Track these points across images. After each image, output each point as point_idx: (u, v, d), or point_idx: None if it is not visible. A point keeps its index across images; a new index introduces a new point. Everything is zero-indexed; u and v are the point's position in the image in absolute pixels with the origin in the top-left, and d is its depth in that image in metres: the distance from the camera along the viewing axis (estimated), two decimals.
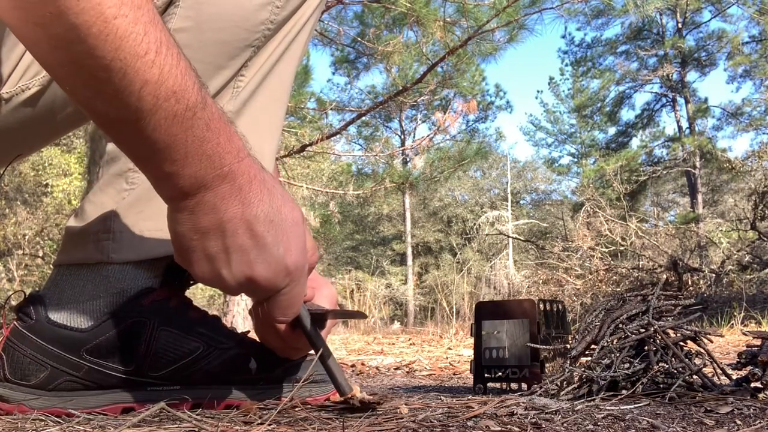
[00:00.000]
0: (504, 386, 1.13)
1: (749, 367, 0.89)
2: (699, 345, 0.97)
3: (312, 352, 0.85)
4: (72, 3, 0.52)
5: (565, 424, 0.66)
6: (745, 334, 0.99)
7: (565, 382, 0.94)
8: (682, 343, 0.97)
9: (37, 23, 0.53)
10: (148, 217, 0.81)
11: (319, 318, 0.82)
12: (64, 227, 0.86)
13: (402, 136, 21.03)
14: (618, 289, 7.07)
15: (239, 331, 0.87)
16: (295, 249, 0.68)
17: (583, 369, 0.95)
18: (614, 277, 7.60)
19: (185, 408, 0.78)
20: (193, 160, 0.61)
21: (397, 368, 2.32)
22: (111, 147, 0.85)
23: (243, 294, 0.72)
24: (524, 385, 1.08)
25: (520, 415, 0.71)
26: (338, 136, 5.92)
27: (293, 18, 0.86)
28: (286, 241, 0.67)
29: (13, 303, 0.83)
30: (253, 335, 0.88)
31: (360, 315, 0.92)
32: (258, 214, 0.65)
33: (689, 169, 17.73)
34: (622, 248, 8.21)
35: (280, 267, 0.67)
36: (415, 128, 21.46)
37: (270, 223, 0.66)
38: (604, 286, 7.53)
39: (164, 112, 0.58)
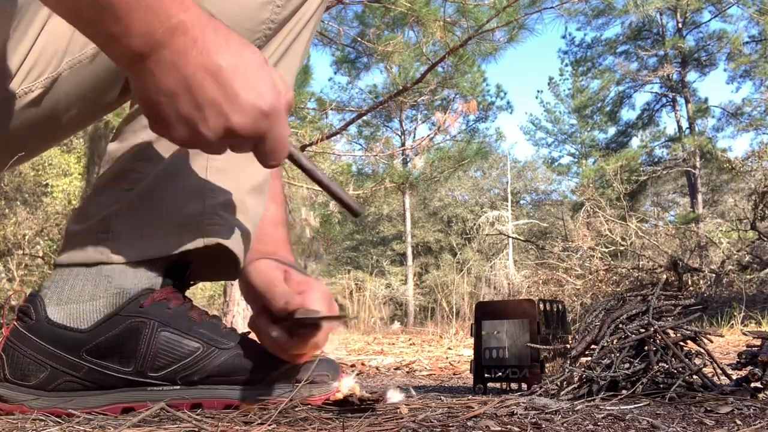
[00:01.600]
0: (504, 386, 1.13)
1: (749, 367, 0.89)
2: (699, 345, 0.97)
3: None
4: None
5: (565, 424, 0.66)
6: (745, 334, 0.99)
7: (565, 382, 0.94)
8: (682, 343, 0.97)
9: None
10: (148, 217, 0.81)
11: (313, 324, 0.81)
12: (64, 227, 0.87)
13: (402, 136, 21.02)
14: (618, 289, 7.07)
15: (239, 331, 0.87)
16: (266, 90, 0.66)
17: (583, 369, 0.95)
18: (614, 277, 7.60)
19: (185, 408, 0.78)
20: (138, 13, 0.59)
21: (397, 368, 2.32)
22: (111, 147, 0.85)
23: (228, 148, 0.69)
24: (524, 385, 1.08)
25: (520, 415, 0.71)
26: (338, 136, 5.92)
27: (294, 17, 0.86)
28: (255, 84, 0.65)
29: (13, 303, 0.83)
30: (253, 336, 0.89)
31: (353, 319, 0.91)
32: (220, 63, 0.63)
33: (689, 169, 17.72)
34: (622, 248, 8.21)
35: (256, 111, 0.65)
36: (415, 128, 21.46)
37: (235, 69, 0.64)
38: (604, 286, 7.52)
39: None
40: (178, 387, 0.81)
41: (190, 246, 0.80)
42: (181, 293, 0.86)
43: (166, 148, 0.81)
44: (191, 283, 0.91)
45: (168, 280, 0.83)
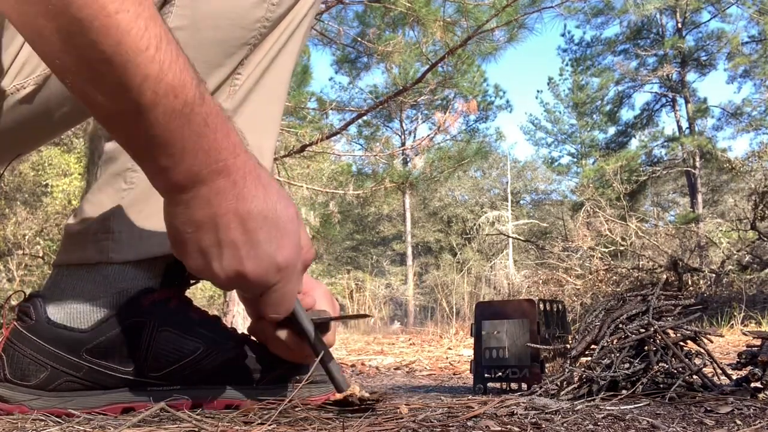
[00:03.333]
0: (504, 386, 1.13)
1: (749, 367, 0.89)
2: (699, 345, 0.97)
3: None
4: None
5: (565, 424, 0.66)
6: (745, 334, 0.99)
7: (565, 382, 0.94)
8: (682, 343, 0.97)
9: (39, 15, 0.54)
10: (148, 217, 0.81)
11: (324, 325, 0.82)
12: (63, 227, 0.86)
13: (402, 136, 21.03)
14: (618, 289, 7.07)
15: (239, 331, 0.87)
16: (288, 246, 0.68)
17: (583, 369, 0.95)
18: (614, 277, 7.60)
19: (185, 408, 0.78)
20: (190, 154, 0.61)
21: (397, 368, 2.32)
22: (110, 146, 0.85)
23: (235, 289, 0.72)
24: (524, 385, 1.08)
25: (520, 415, 0.71)
26: (338, 136, 5.92)
27: (289, 15, 0.86)
28: (278, 237, 0.67)
29: (13, 303, 0.83)
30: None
31: (364, 316, 0.92)
32: (252, 210, 0.65)
33: (689, 169, 17.73)
34: (622, 248, 8.20)
35: (271, 263, 0.67)
36: (415, 128, 21.47)
37: (264, 219, 0.66)
38: (604, 286, 7.52)
39: (163, 108, 0.58)
40: (178, 387, 0.81)
41: None
42: (181, 293, 0.86)
43: None
44: (191, 282, 0.90)
45: (168, 279, 0.83)
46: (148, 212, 0.81)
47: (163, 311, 0.81)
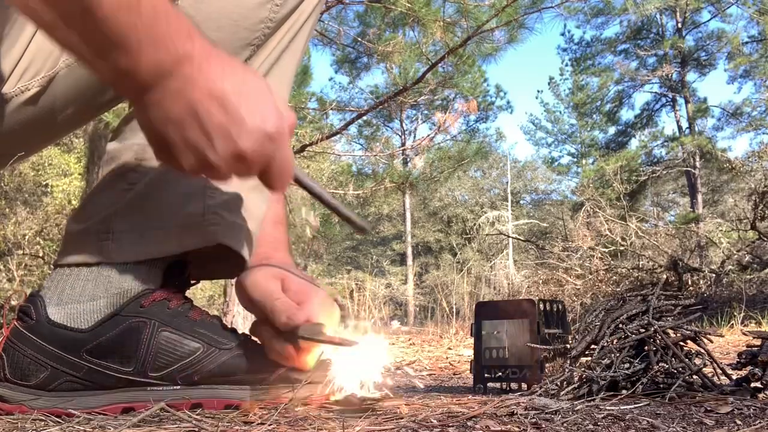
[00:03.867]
0: (504, 386, 1.13)
1: (749, 367, 0.89)
2: (699, 345, 0.97)
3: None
4: None
5: (565, 424, 0.66)
6: (745, 334, 0.99)
7: (565, 382, 0.94)
8: (682, 343, 0.97)
9: None
10: (148, 217, 0.81)
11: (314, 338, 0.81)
12: (64, 227, 0.87)
13: (402, 136, 21.02)
14: (618, 289, 7.07)
15: (239, 331, 0.87)
16: (270, 114, 0.67)
17: (583, 369, 0.95)
18: (614, 277, 7.59)
19: (185, 408, 0.78)
20: (148, 46, 0.60)
21: (397, 368, 2.32)
22: (111, 147, 0.85)
23: (238, 175, 0.69)
24: (524, 385, 1.08)
25: (520, 415, 0.71)
26: (338, 135, 5.92)
27: (293, 16, 0.86)
28: (260, 108, 0.66)
29: (14, 303, 0.83)
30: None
31: (349, 343, 0.84)
32: (225, 89, 0.64)
33: (689, 169, 17.72)
34: (622, 248, 8.20)
35: (262, 135, 0.66)
36: (415, 128, 21.46)
37: (240, 95, 0.65)
38: (604, 286, 7.52)
39: (108, 2, 0.57)
40: (179, 387, 0.81)
41: (191, 246, 0.80)
42: (181, 293, 0.86)
43: None
44: (191, 282, 0.90)
45: (168, 279, 0.83)
46: (149, 212, 0.81)
47: (163, 311, 0.81)
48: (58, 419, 0.73)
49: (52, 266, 0.85)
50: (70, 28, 0.60)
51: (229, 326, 0.87)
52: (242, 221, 0.85)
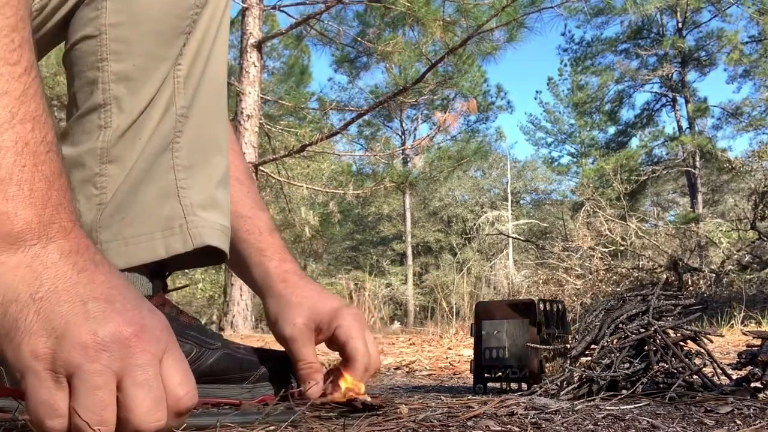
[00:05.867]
0: (504, 386, 1.13)
1: (749, 367, 0.89)
2: (699, 345, 0.97)
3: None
4: None
5: (565, 424, 0.66)
6: (745, 334, 0.99)
7: (565, 382, 0.94)
8: (682, 343, 0.97)
9: None
10: (130, 224, 0.81)
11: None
12: None
13: (402, 136, 21.03)
14: (618, 289, 7.07)
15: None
16: (114, 321, 0.51)
17: (583, 369, 0.95)
18: (614, 277, 7.60)
19: None
20: (36, 201, 0.51)
21: (397, 368, 2.32)
22: (69, 152, 0.83)
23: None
24: (524, 385, 1.08)
25: (520, 415, 0.71)
26: (338, 135, 5.93)
27: (206, 17, 0.86)
28: (104, 313, 0.51)
29: None
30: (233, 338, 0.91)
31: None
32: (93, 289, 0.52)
33: (689, 169, 17.73)
34: (622, 248, 8.21)
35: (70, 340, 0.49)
36: (415, 128, 21.47)
37: (96, 300, 0.51)
38: (604, 286, 7.52)
39: (17, 135, 0.51)
40: None
41: (180, 250, 0.81)
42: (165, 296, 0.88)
43: (127, 149, 0.81)
44: (173, 288, 0.92)
45: (158, 283, 0.84)
46: (130, 219, 0.81)
47: None
48: None
49: None
50: None
51: (211, 329, 0.90)
52: (218, 217, 0.85)
